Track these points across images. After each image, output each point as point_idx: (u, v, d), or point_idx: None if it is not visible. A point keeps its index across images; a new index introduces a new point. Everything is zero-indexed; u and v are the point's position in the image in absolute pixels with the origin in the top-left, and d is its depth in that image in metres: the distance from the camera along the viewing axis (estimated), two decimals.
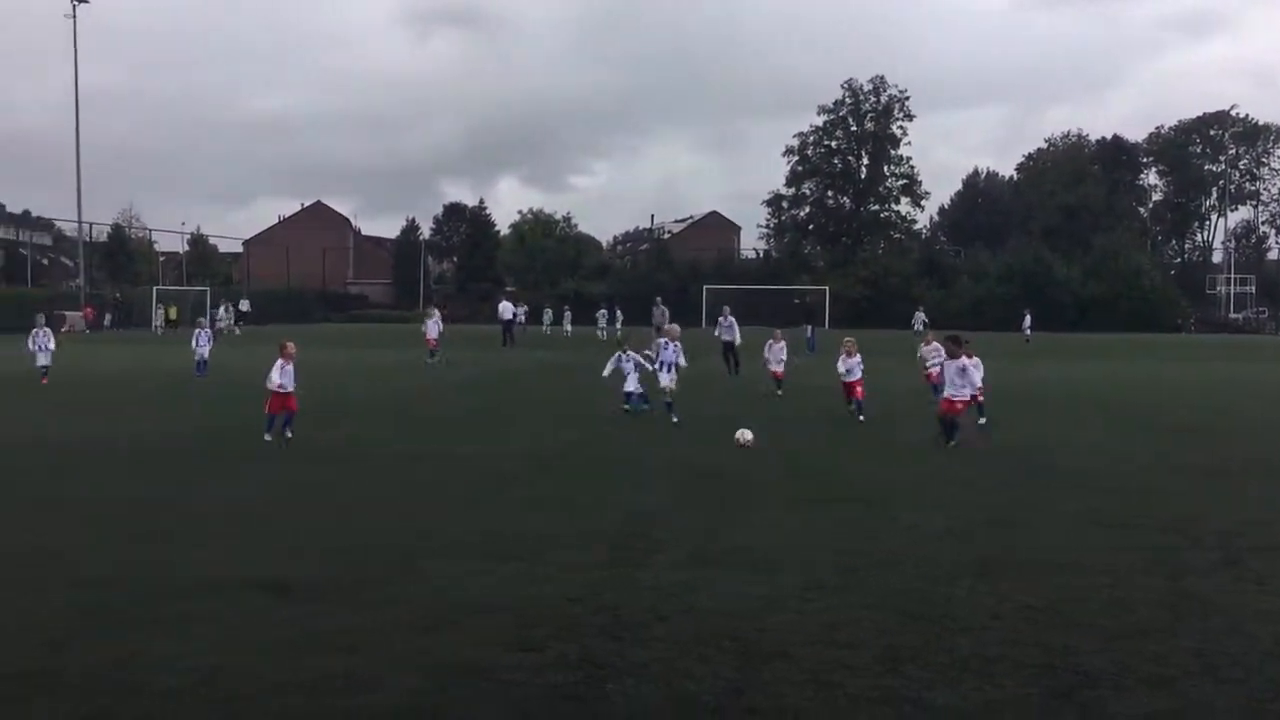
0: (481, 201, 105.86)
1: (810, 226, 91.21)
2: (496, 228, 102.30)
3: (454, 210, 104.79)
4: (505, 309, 46.32)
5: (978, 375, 15.07)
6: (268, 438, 14.62)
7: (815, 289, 66.48)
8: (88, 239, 73.23)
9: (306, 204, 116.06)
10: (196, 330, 27.99)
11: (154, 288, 71.65)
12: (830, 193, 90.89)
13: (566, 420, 17.63)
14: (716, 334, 29.38)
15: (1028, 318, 56.25)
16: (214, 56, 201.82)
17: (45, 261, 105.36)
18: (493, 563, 8.00)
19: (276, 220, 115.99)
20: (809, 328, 42.94)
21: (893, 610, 6.83)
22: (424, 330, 33.82)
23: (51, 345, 24.87)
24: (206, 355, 27.21)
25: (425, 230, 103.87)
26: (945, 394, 14.58)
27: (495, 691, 5.38)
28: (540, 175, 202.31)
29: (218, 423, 17.22)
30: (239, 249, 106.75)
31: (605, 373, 18.99)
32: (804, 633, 6.37)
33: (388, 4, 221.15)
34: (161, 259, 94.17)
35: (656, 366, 17.62)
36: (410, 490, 11.32)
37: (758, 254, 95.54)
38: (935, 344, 20.31)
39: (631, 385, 18.38)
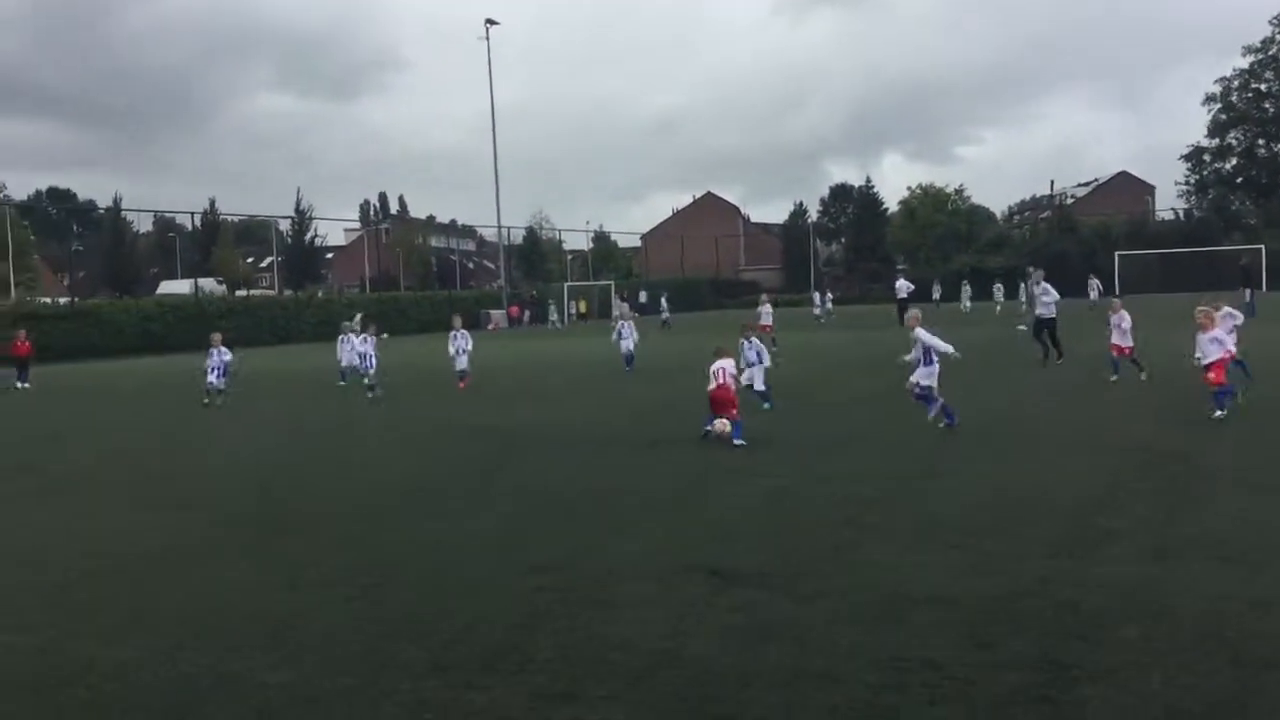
0: (868, 180, 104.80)
1: (1239, 180, 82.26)
2: (884, 206, 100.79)
3: (840, 191, 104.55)
4: (902, 287, 45.31)
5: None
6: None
7: (1249, 249, 59.60)
8: (506, 242, 79.82)
9: (697, 196, 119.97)
10: (619, 322, 28.43)
11: (565, 284, 76.89)
12: (1262, 141, 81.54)
13: (978, 396, 16.63)
14: (1030, 307, 24.01)
15: None
16: (608, 64, 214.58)
17: (471, 265, 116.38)
18: (930, 552, 7.67)
19: (670, 213, 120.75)
20: (1248, 290, 38.64)
21: None
22: (758, 317, 33.69)
23: (469, 348, 24.20)
24: (632, 348, 26.68)
25: (813, 213, 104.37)
26: None
27: (955, 691, 5.07)
28: (926, 149, 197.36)
29: (642, 408, 18.05)
30: (637, 243, 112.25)
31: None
32: None
33: None
34: (569, 257, 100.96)
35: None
36: (833, 475, 11.09)
37: (1177, 215, 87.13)
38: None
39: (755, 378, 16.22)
